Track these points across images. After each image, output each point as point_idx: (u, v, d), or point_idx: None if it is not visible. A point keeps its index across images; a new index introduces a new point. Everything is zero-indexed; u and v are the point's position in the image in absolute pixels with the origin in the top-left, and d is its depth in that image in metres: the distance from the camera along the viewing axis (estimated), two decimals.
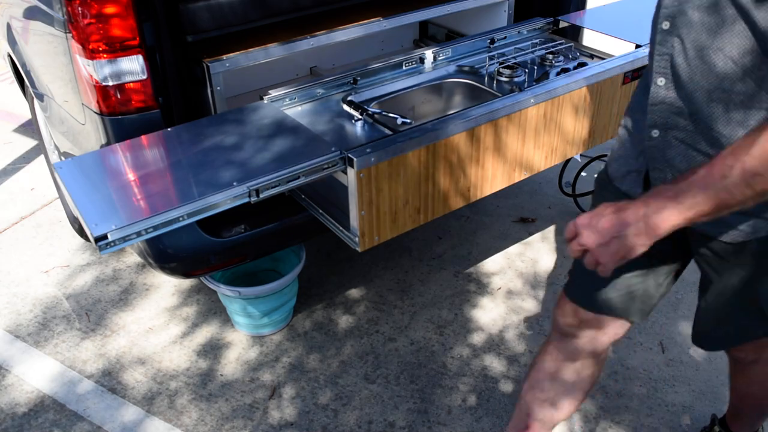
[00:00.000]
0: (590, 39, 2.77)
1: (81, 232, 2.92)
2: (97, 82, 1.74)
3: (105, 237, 1.40)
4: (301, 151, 1.73)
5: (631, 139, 1.36)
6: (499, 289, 2.65)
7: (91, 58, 1.72)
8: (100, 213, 1.48)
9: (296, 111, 2.11)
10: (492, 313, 2.53)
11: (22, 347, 2.44)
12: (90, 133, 1.93)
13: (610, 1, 2.97)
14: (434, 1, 2.56)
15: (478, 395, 2.20)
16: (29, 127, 4.04)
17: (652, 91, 1.20)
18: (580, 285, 1.50)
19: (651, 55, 1.22)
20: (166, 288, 2.70)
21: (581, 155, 2.68)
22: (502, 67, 2.34)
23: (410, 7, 2.49)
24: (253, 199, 1.59)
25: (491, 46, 2.54)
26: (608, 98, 2.31)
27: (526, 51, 2.48)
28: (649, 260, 1.37)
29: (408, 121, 1.99)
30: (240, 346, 2.42)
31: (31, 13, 2.11)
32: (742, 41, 1.04)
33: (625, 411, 2.15)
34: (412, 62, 2.38)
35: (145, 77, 1.77)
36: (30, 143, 3.86)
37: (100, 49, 1.71)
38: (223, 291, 2.29)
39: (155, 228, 1.47)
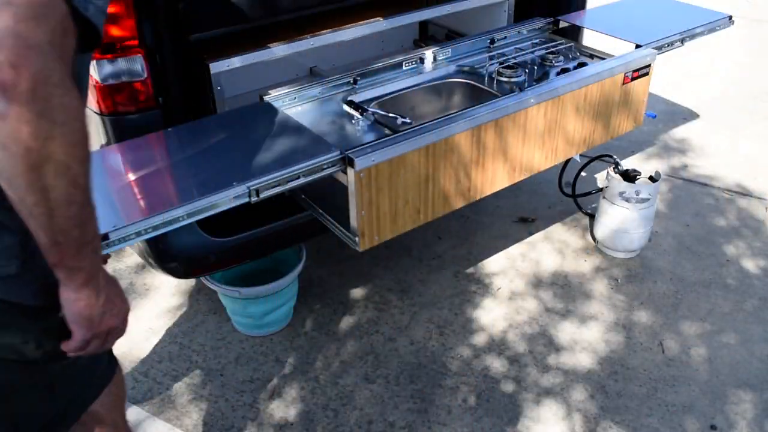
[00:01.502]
0: (590, 39, 2.77)
1: None
2: (97, 82, 1.74)
3: (105, 237, 1.40)
4: (301, 151, 1.73)
5: None
6: (499, 288, 2.65)
7: (92, 57, 1.72)
8: (99, 213, 1.47)
9: (296, 111, 2.11)
10: (492, 313, 2.53)
11: None
12: (90, 133, 1.92)
13: (610, 1, 2.97)
14: (434, 1, 2.56)
15: (478, 395, 2.20)
16: None
17: None
18: None
19: None
20: (166, 288, 2.70)
21: (581, 155, 2.68)
22: (503, 67, 2.34)
23: (410, 7, 2.49)
24: (253, 199, 1.59)
25: (491, 46, 2.54)
26: (608, 98, 2.31)
27: (526, 51, 2.48)
28: None
29: (408, 121, 1.99)
30: (240, 346, 2.42)
31: None
32: None
33: (625, 411, 2.15)
34: (412, 62, 2.38)
35: (145, 77, 1.77)
36: None
37: (101, 49, 1.71)
38: (224, 291, 2.29)
39: (155, 228, 1.47)
